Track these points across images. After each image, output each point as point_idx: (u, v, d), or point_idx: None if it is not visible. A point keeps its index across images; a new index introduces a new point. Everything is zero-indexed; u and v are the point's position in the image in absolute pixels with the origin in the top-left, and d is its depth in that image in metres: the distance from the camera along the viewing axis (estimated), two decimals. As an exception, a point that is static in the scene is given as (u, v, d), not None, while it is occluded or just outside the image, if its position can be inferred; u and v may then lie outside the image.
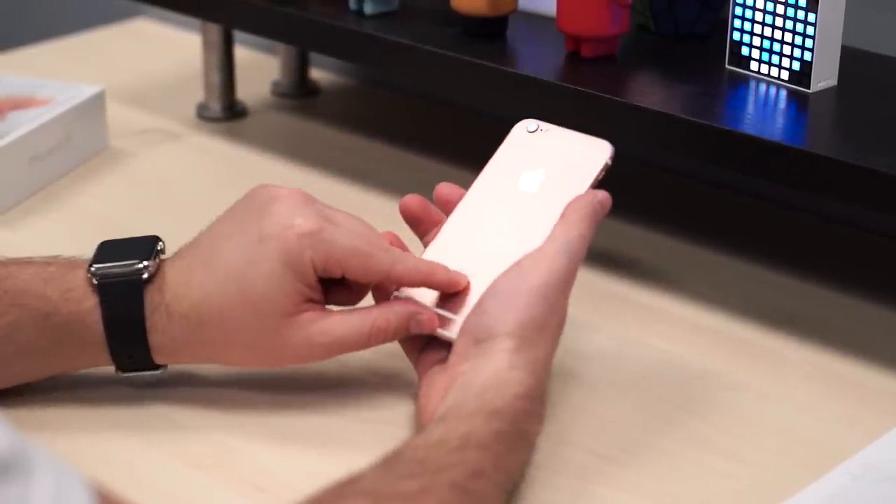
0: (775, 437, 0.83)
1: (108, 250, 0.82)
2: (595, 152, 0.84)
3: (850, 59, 0.96)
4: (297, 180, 1.16)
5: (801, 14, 0.92)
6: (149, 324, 0.80)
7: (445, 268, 0.81)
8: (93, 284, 0.80)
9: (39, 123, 1.13)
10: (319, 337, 0.80)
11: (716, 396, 0.86)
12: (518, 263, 0.78)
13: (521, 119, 0.88)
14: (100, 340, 0.80)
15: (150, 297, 0.80)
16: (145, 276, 0.80)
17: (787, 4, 0.92)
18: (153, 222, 1.08)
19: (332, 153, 1.23)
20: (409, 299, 0.81)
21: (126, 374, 0.83)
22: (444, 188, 0.86)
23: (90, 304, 0.80)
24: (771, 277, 1.01)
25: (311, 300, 0.80)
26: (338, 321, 0.80)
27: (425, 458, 0.68)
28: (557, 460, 0.79)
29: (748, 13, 0.95)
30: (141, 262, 0.80)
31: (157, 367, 0.82)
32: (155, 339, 0.80)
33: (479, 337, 0.76)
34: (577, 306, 0.96)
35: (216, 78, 1.29)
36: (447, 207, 0.86)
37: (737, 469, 0.80)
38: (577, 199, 0.81)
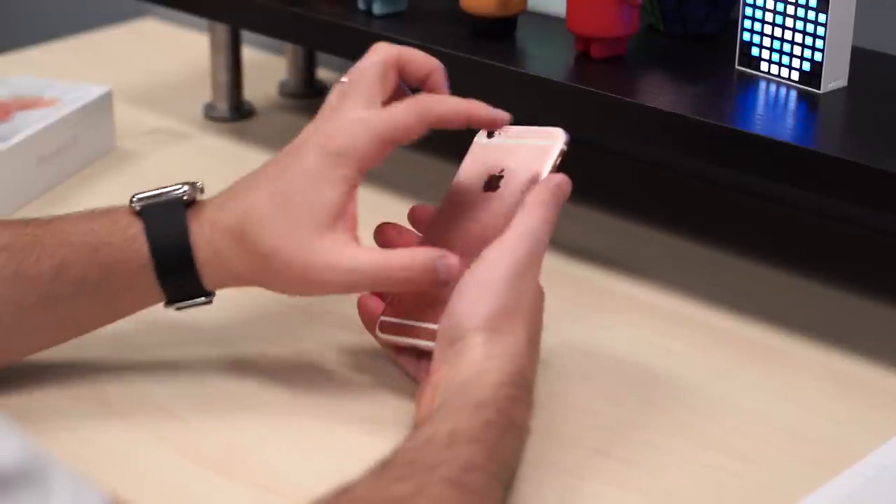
0: (785, 437, 0.82)
1: (149, 191, 0.84)
2: (549, 140, 0.85)
3: (861, 59, 0.95)
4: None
5: (811, 14, 0.92)
6: (193, 239, 0.81)
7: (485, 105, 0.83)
8: (135, 212, 0.82)
9: (47, 124, 1.13)
10: (347, 261, 0.80)
11: (722, 396, 0.86)
12: (481, 257, 0.78)
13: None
14: (147, 264, 0.81)
15: (193, 216, 0.82)
16: (185, 197, 0.83)
17: (797, 5, 0.92)
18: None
19: (339, 153, 1.22)
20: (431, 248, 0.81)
21: (178, 306, 0.84)
22: (417, 210, 0.88)
23: (135, 230, 0.82)
24: (780, 278, 1.01)
25: (343, 213, 0.80)
26: (366, 252, 0.81)
27: (415, 460, 0.68)
28: (560, 457, 0.79)
29: (758, 13, 0.95)
30: (179, 188, 0.83)
31: (205, 292, 0.83)
32: (200, 254, 0.81)
33: (452, 338, 0.77)
34: (577, 303, 0.96)
35: (224, 78, 1.29)
36: (421, 226, 0.87)
37: (746, 469, 0.79)
38: (536, 186, 0.82)
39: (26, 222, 0.83)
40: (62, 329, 0.84)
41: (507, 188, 0.85)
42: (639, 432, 0.83)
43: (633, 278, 1.00)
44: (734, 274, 1.02)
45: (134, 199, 0.83)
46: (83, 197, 1.13)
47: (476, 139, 0.89)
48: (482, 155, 0.88)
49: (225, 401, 0.85)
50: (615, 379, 0.88)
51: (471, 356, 0.75)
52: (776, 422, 0.84)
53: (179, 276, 0.82)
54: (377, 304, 0.85)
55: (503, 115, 0.83)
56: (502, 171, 0.86)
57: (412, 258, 0.80)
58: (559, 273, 0.98)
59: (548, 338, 0.86)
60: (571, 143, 0.84)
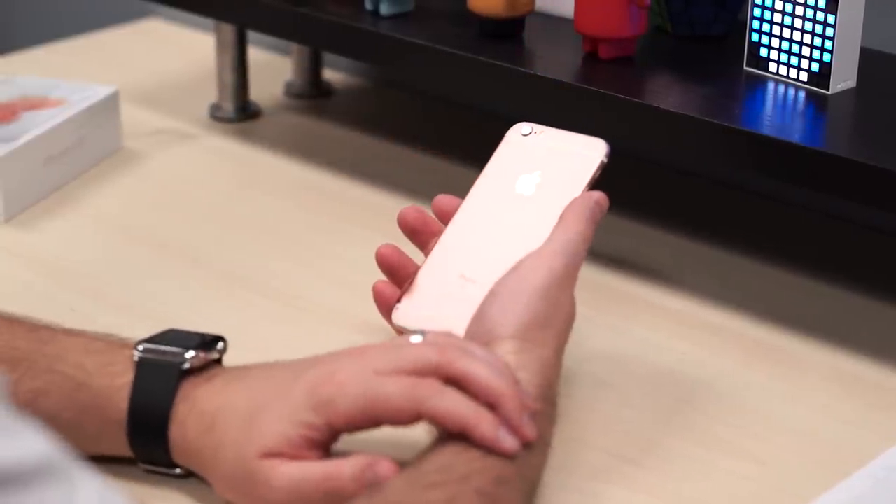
0: (794, 439, 0.82)
1: (170, 336, 0.78)
2: (590, 151, 0.84)
3: (870, 60, 0.95)
4: (310, 181, 1.16)
5: (820, 15, 0.92)
6: (173, 412, 0.75)
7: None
8: (133, 361, 0.76)
9: (54, 124, 1.13)
10: (277, 479, 0.71)
11: (733, 398, 0.86)
12: (517, 266, 0.78)
13: (535, 119, 0.88)
14: (122, 420, 0.75)
15: (184, 389, 0.75)
16: (186, 365, 0.75)
17: (806, 6, 0.92)
18: (167, 222, 1.08)
19: (345, 154, 1.23)
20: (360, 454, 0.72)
21: (147, 469, 0.77)
22: (442, 199, 0.87)
23: (124, 380, 0.76)
24: (789, 278, 1.01)
25: (313, 445, 0.72)
26: (297, 465, 0.72)
27: (449, 466, 0.68)
28: (574, 461, 0.79)
29: (767, 14, 0.94)
30: (189, 350, 0.76)
31: (173, 465, 0.76)
32: (174, 431, 0.75)
33: (483, 341, 0.76)
34: (589, 305, 0.96)
35: (229, 78, 1.29)
36: (445, 218, 0.86)
37: (755, 470, 0.79)
38: (575, 200, 0.81)
39: (33, 327, 0.79)
40: None
41: (543, 195, 0.84)
42: (651, 435, 0.82)
43: (641, 279, 1.00)
44: (743, 275, 1.02)
45: (138, 347, 0.77)
46: (90, 197, 1.13)
47: (510, 133, 0.87)
48: (516, 153, 0.86)
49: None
50: (626, 381, 0.88)
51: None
52: (786, 423, 0.84)
53: (149, 443, 0.75)
54: (393, 291, 0.85)
55: (509, 445, 0.70)
56: (538, 173, 0.85)
57: (339, 471, 0.71)
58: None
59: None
60: (611, 155, 0.83)
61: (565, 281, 0.77)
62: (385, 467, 0.70)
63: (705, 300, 0.98)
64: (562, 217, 0.80)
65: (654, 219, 1.10)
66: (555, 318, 0.77)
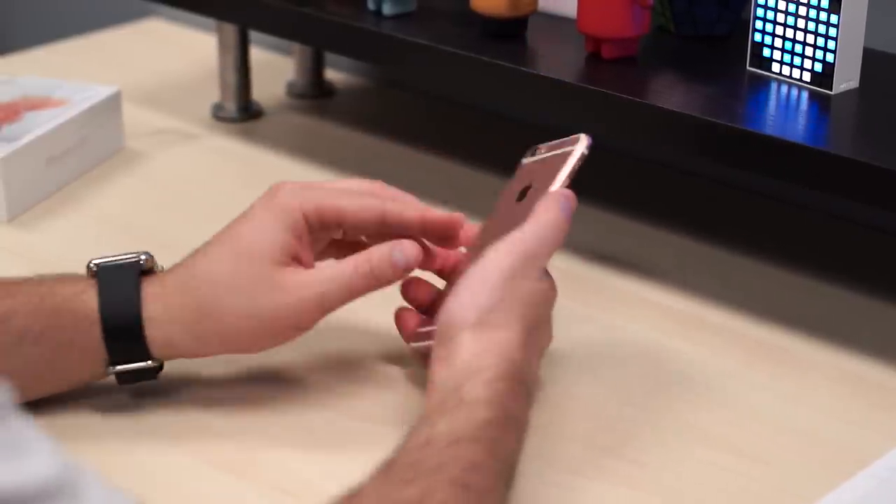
0: (796, 439, 0.82)
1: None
2: (571, 146, 0.85)
3: (873, 60, 0.95)
4: (312, 180, 1.16)
5: (823, 15, 0.92)
6: (143, 293, 0.80)
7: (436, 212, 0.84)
8: (91, 271, 0.81)
9: (56, 124, 1.13)
10: (304, 290, 0.79)
11: (735, 397, 0.86)
12: (480, 257, 0.78)
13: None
14: (92, 315, 0.79)
15: (148, 277, 0.81)
16: (141, 263, 0.81)
17: (809, 6, 0.92)
18: (169, 222, 1.08)
19: (347, 154, 1.23)
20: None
21: (120, 370, 0.81)
22: (466, 227, 0.87)
23: (85, 284, 0.80)
24: (791, 278, 1.01)
25: (298, 258, 0.81)
26: (317, 272, 0.80)
27: (419, 461, 0.68)
28: (578, 460, 0.79)
29: (770, 14, 0.94)
30: (140, 255, 0.82)
31: (149, 357, 0.81)
32: (149, 307, 0.79)
33: (446, 336, 0.76)
34: (591, 305, 0.96)
35: (232, 78, 1.29)
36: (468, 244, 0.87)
37: (758, 470, 0.79)
38: (547, 194, 0.81)
39: None
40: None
41: (531, 198, 0.84)
42: (650, 433, 0.82)
43: (644, 279, 1.00)
44: (745, 274, 1.02)
45: (90, 263, 0.82)
46: (92, 197, 1.13)
47: (522, 161, 0.89)
48: (521, 173, 0.88)
49: (239, 404, 0.85)
50: (627, 380, 0.88)
51: (463, 352, 0.75)
52: (787, 423, 0.84)
53: (125, 331, 0.79)
54: (415, 319, 0.86)
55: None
56: (531, 183, 0.85)
57: (368, 261, 0.81)
58: (570, 274, 0.98)
59: (560, 338, 0.86)
60: (592, 146, 0.84)
61: (527, 267, 0.77)
62: (408, 244, 0.81)
63: (707, 300, 0.98)
64: (534, 209, 0.80)
65: (656, 218, 1.10)
66: (516, 302, 0.77)
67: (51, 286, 0.81)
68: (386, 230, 0.84)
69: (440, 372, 0.75)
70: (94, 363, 0.81)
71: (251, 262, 0.80)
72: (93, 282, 0.80)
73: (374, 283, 0.81)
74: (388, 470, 0.68)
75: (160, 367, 0.83)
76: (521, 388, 0.74)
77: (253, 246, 0.80)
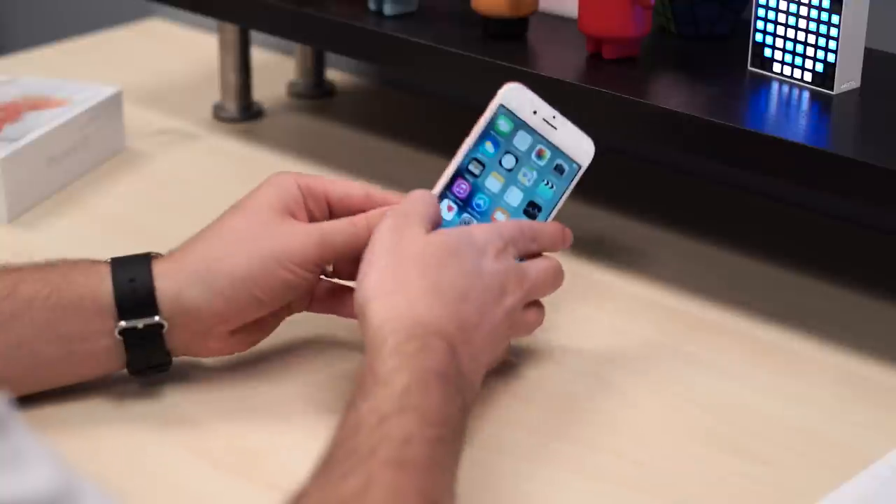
0: (800, 439, 0.82)
1: None
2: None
3: (874, 60, 0.95)
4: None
5: (824, 15, 0.92)
6: (153, 261, 0.82)
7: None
8: (104, 262, 0.82)
9: (57, 124, 1.13)
10: (308, 228, 0.83)
11: (739, 398, 0.86)
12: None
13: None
14: (104, 275, 0.80)
15: (158, 258, 0.83)
16: (152, 254, 0.83)
17: (810, 6, 0.92)
18: (170, 223, 1.08)
19: (348, 154, 1.23)
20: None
21: (126, 326, 0.80)
22: None
23: (98, 264, 0.82)
24: (794, 279, 1.01)
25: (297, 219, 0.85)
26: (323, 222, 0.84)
27: (353, 449, 0.67)
28: (577, 460, 0.79)
29: (771, 14, 0.94)
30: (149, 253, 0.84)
31: (160, 314, 0.81)
32: (160, 267, 0.81)
33: (359, 317, 0.78)
34: (593, 305, 0.96)
35: (233, 78, 1.29)
36: None
37: (762, 471, 0.79)
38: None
39: None
40: (14, 361, 0.80)
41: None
42: (651, 433, 0.82)
43: (645, 279, 1.00)
44: (746, 274, 1.02)
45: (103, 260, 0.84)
46: (93, 197, 1.13)
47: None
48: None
49: (238, 403, 0.85)
50: (630, 381, 0.88)
51: (368, 329, 0.75)
52: (789, 423, 0.84)
53: (134, 281, 0.81)
54: None
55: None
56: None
57: (365, 213, 0.85)
58: (571, 273, 0.97)
59: (561, 339, 0.86)
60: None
61: (406, 223, 0.80)
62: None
63: (708, 300, 0.98)
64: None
65: (657, 218, 1.10)
66: (406, 262, 0.78)
67: (61, 263, 0.82)
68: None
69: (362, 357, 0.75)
70: (103, 320, 0.80)
71: (257, 213, 0.83)
72: (105, 266, 0.82)
73: (368, 237, 0.83)
74: (325, 466, 0.67)
75: (169, 362, 0.83)
76: (435, 341, 0.74)
77: (255, 204, 0.84)
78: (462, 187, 0.87)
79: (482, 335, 0.78)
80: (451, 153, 0.86)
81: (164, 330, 0.81)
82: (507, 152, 0.87)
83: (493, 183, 0.87)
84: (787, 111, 0.94)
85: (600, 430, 0.82)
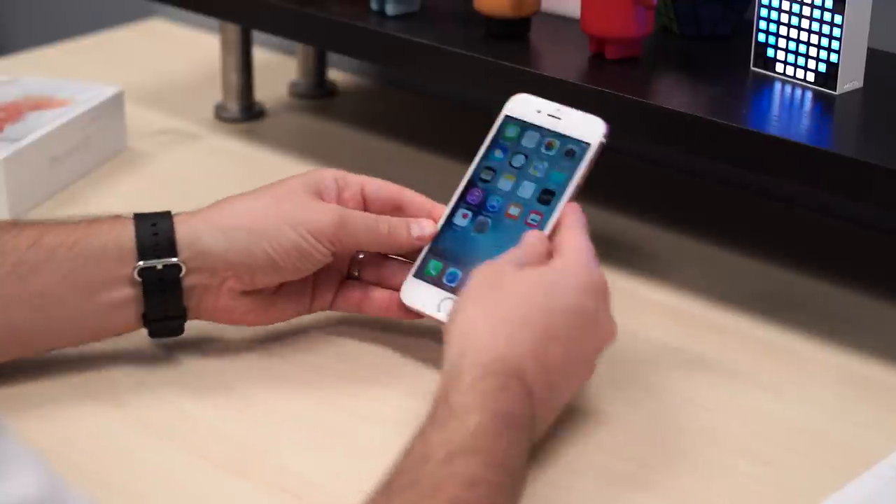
0: (803, 440, 0.82)
1: None
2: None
3: (877, 60, 0.95)
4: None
5: (827, 16, 0.91)
6: (177, 218, 0.84)
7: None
8: (127, 216, 0.85)
9: (59, 124, 1.12)
10: (329, 205, 0.86)
11: (740, 397, 0.86)
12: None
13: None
14: (127, 223, 0.83)
15: (182, 214, 0.86)
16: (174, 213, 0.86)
17: (813, 6, 0.92)
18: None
19: (349, 154, 1.23)
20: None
21: (145, 266, 0.83)
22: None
23: (125, 219, 0.84)
24: (796, 279, 1.01)
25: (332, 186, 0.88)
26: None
27: (416, 480, 0.66)
28: (577, 462, 0.79)
29: (774, 14, 0.94)
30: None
31: (178, 255, 0.83)
32: (180, 217, 0.84)
33: (446, 345, 0.77)
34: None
35: (234, 78, 1.29)
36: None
37: (765, 471, 0.79)
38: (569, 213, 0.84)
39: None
40: (37, 311, 0.82)
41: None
42: (652, 433, 0.82)
43: (648, 279, 1.00)
44: (749, 275, 1.02)
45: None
46: (95, 197, 1.13)
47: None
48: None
49: (239, 400, 0.85)
50: (632, 381, 0.88)
51: (447, 356, 0.75)
52: (792, 423, 0.84)
53: (154, 224, 0.84)
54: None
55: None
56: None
57: (388, 217, 0.88)
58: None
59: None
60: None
61: (505, 265, 0.79)
62: (425, 221, 0.88)
63: (711, 300, 0.98)
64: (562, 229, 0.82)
65: (660, 219, 1.10)
66: (496, 299, 0.77)
67: (84, 220, 0.85)
68: (400, 215, 0.89)
69: (438, 382, 0.75)
70: (123, 265, 0.83)
71: (286, 189, 0.86)
72: (129, 219, 0.85)
73: (387, 239, 0.87)
74: (387, 491, 0.66)
75: (183, 317, 0.85)
76: (512, 381, 0.73)
77: (286, 183, 0.87)
78: (475, 194, 0.88)
79: (562, 377, 0.77)
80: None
81: (182, 274, 0.83)
82: (517, 153, 0.88)
83: (504, 183, 0.87)
84: (790, 111, 0.94)
85: (597, 430, 0.82)
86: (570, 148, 0.86)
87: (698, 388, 0.87)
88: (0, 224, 0.84)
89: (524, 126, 0.88)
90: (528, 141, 0.87)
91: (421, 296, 0.87)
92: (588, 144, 0.86)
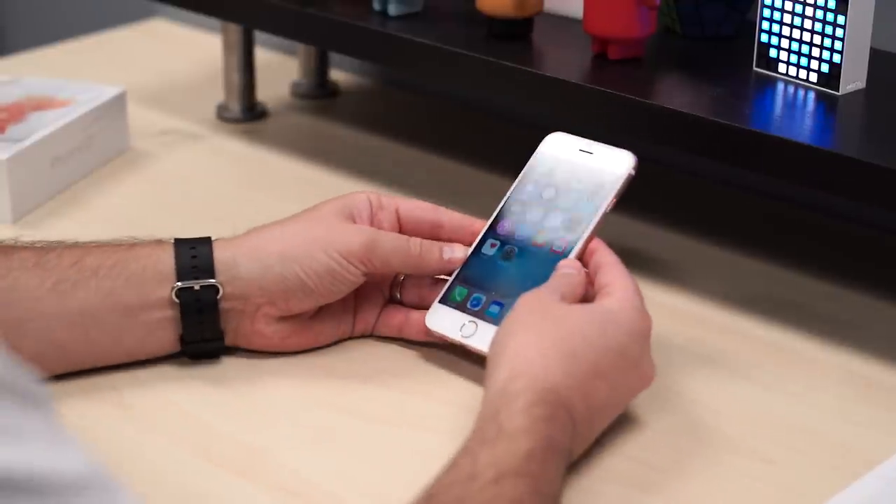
0: (806, 440, 0.82)
1: None
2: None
3: (880, 61, 0.95)
4: (317, 181, 1.16)
5: (829, 16, 0.91)
6: (216, 243, 0.85)
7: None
8: (168, 240, 0.86)
9: (61, 125, 1.12)
10: (361, 228, 0.86)
11: (742, 398, 0.86)
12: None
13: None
14: (167, 247, 0.85)
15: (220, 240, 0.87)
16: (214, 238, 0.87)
17: (815, 6, 0.92)
18: (174, 223, 1.08)
19: (351, 154, 1.22)
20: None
21: (183, 286, 0.84)
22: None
23: (165, 243, 0.86)
24: (798, 280, 1.01)
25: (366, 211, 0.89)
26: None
27: (462, 498, 0.66)
28: (580, 462, 0.79)
29: (776, 15, 0.94)
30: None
31: (215, 277, 0.84)
32: (219, 244, 0.85)
33: (489, 364, 0.77)
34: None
35: (236, 79, 1.28)
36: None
37: (768, 471, 0.79)
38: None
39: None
40: (76, 328, 0.83)
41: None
42: (652, 433, 0.82)
43: (650, 279, 1.00)
44: (750, 275, 1.02)
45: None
46: (97, 198, 1.13)
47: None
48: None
49: (242, 402, 0.85)
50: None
51: (498, 377, 0.75)
52: (794, 423, 0.84)
53: (193, 249, 0.85)
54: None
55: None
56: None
57: (420, 240, 0.87)
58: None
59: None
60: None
61: (553, 295, 0.80)
62: (457, 245, 0.88)
63: (714, 300, 0.98)
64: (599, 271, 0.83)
65: (662, 219, 1.10)
66: (547, 328, 0.77)
67: (125, 242, 0.87)
68: (437, 234, 0.90)
69: (483, 400, 0.75)
70: (162, 287, 0.84)
71: (319, 214, 0.87)
72: (169, 244, 0.86)
73: (418, 261, 0.87)
74: None
75: (221, 340, 0.86)
76: (560, 412, 0.73)
77: (320, 208, 0.88)
78: (504, 226, 0.89)
79: (600, 415, 0.78)
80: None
81: (220, 296, 0.84)
82: (548, 186, 0.89)
83: (534, 214, 0.88)
84: (793, 112, 0.94)
85: (605, 430, 0.82)
86: (600, 180, 0.87)
87: (698, 387, 0.87)
88: (44, 243, 0.85)
89: (556, 162, 0.89)
90: (560, 175, 0.89)
91: (444, 321, 0.87)
92: (617, 176, 0.87)
